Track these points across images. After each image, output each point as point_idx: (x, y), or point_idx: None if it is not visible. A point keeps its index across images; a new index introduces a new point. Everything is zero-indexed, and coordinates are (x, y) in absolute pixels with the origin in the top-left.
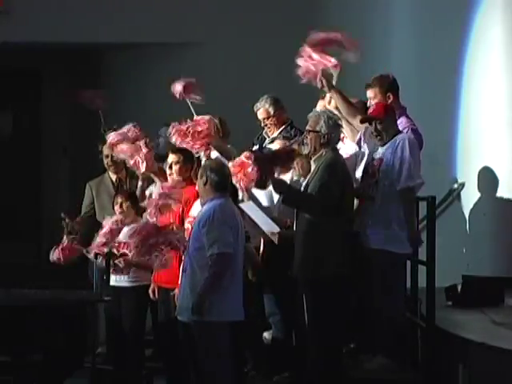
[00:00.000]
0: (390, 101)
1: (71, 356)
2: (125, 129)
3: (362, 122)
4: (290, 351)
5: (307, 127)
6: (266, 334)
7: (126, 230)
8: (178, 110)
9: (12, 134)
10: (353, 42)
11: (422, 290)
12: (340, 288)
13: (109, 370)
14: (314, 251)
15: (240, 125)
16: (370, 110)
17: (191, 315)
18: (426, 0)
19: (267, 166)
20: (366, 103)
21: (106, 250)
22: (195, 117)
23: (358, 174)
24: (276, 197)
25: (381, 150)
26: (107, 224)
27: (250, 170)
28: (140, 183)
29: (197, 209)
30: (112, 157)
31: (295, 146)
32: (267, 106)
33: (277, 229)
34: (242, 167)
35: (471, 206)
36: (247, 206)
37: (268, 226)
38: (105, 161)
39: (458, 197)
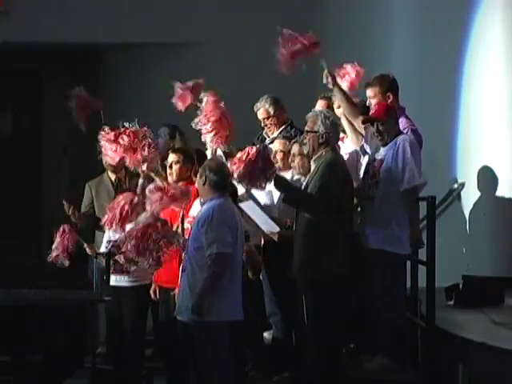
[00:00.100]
0: (389, 100)
1: (71, 356)
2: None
3: (363, 122)
4: (290, 351)
5: (306, 128)
6: (266, 334)
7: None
8: (178, 110)
9: (12, 134)
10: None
11: (422, 290)
12: (340, 288)
13: (109, 370)
14: (314, 251)
15: (240, 125)
16: (372, 111)
17: (191, 315)
18: (425, 0)
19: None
20: (368, 106)
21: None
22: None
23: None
24: (276, 196)
25: (382, 151)
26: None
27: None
28: (141, 181)
29: (196, 208)
30: None
31: (295, 146)
32: (267, 106)
33: (276, 228)
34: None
35: (471, 206)
36: (247, 206)
37: (268, 225)
38: (103, 161)
39: (458, 197)
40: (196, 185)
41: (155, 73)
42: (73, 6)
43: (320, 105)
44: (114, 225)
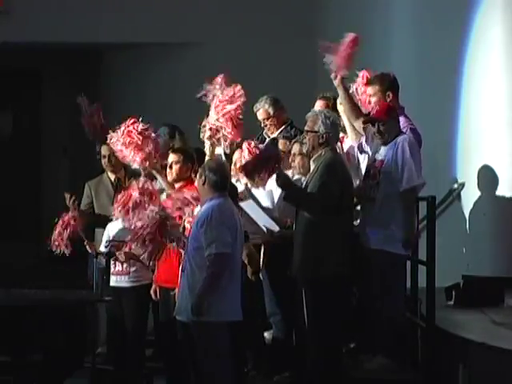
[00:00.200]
0: (389, 99)
1: (71, 356)
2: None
3: (365, 122)
4: (291, 351)
5: (306, 127)
6: (266, 334)
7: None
8: (178, 110)
9: (12, 134)
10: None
11: (422, 290)
12: (340, 288)
13: (109, 370)
14: (314, 251)
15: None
16: (373, 111)
17: (190, 315)
18: (426, 0)
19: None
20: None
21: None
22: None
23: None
24: (276, 196)
25: (383, 152)
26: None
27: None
28: (142, 180)
29: (196, 208)
30: (110, 157)
31: (296, 146)
32: (267, 106)
33: (276, 228)
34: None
35: (471, 206)
36: (247, 205)
37: (268, 225)
38: (103, 161)
39: (458, 197)
40: (196, 184)
41: (155, 73)
42: (73, 6)
43: (319, 105)
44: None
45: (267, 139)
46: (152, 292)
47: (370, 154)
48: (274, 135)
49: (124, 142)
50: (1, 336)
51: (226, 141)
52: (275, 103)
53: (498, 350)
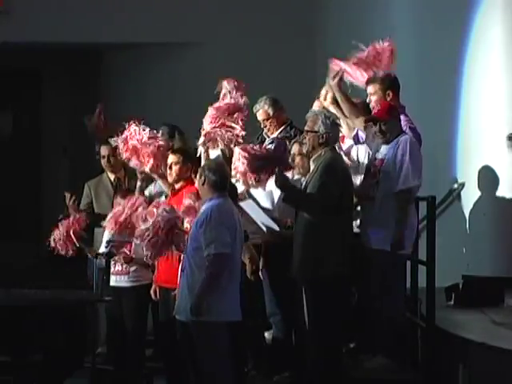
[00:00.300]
0: (389, 98)
1: (71, 356)
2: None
3: (366, 122)
4: (291, 351)
5: (306, 127)
6: (266, 334)
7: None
8: (178, 110)
9: (12, 134)
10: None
11: (422, 290)
12: (340, 288)
13: (109, 370)
14: (314, 251)
15: None
16: (375, 110)
17: (189, 315)
18: (426, 0)
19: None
20: (368, 104)
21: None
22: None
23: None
24: (276, 197)
25: (383, 151)
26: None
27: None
28: (139, 183)
29: None
30: (109, 157)
31: (296, 146)
32: (266, 107)
33: (276, 228)
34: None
35: (471, 206)
36: (247, 205)
37: (268, 224)
38: (102, 161)
39: (458, 197)
40: (196, 184)
41: (155, 73)
42: (73, 6)
43: (317, 105)
44: (115, 227)
45: (267, 139)
46: (152, 292)
47: (370, 152)
48: (274, 135)
49: (134, 149)
50: (1, 336)
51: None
52: (275, 104)
53: (497, 349)
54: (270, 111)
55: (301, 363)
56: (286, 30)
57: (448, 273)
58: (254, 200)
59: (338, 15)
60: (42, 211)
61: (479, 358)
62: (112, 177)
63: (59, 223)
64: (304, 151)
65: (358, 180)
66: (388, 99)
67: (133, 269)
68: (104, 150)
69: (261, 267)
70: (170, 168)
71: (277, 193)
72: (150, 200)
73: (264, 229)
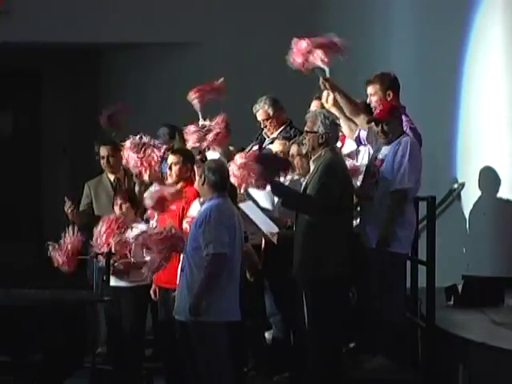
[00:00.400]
0: (389, 98)
1: (71, 356)
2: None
3: (368, 122)
4: (291, 351)
5: (305, 128)
6: (266, 334)
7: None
8: (178, 110)
9: (12, 134)
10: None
11: (422, 290)
12: (340, 288)
13: (109, 370)
14: (314, 251)
15: (240, 125)
16: (377, 111)
17: (189, 315)
18: (425, 0)
19: (269, 165)
20: (369, 104)
21: (105, 249)
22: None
23: (356, 163)
24: (276, 197)
25: (384, 151)
26: (106, 223)
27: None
28: (137, 188)
29: (195, 209)
30: (108, 158)
31: (294, 147)
32: (266, 107)
33: (276, 229)
34: (246, 169)
35: (471, 206)
36: (246, 206)
37: (267, 225)
38: (101, 162)
39: (458, 197)
40: (195, 185)
41: (155, 73)
42: (73, 6)
43: (315, 105)
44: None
45: (266, 140)
46: (151, 292)
47: (369, 147)
48: (274, 136)
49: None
50: (1, 336)
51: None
52: (274, 104)
53: (498, 349)
54: (270, 111)
55: (300, 363)
56: (285, 30)
57: (448, 273)
58: (254, 201)
59: (338, 15)
60: (42, 211)
61: (479, 358)
62: (112, 177)
63: (57, 246)
64: (304, 152)
65: (358, 181)
66: (388, 99)
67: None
68: (103, 151)
69: (260, 267)
70: (170, 168)
71: None
72: None
73: (264, 230)
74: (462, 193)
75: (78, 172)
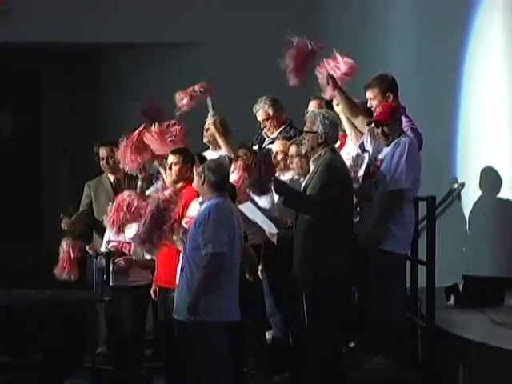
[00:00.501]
0: (389, 101)
1: (71, 356)
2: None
3: (368, 124)
4: (291, 351)
5: (305, 128)
6: (266, 334)
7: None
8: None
9: (12, 134)
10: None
11: (422, 290)
12: (340, 288)
13: (109, 370)
14: (314, 251)
15: (240, 125)
16: (377, 113)
17: (188, 315)
18: (425, 0)
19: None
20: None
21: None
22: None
23: (360, 173)
24: (276, 197)
25: (385, 151)
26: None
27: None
28: (139, 183)
29: (195, 209)
30: (108, 159)
31: (293, 147)
32: (266, 107)
33: (275, 230)
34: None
35: (471, 206)
36: (246, 207)
37: (267, 226)
38: (101, 162)
39: (458, 197)
40: (193, 184)
41: (155, 73)
42: (73, 6)
43: (313, 105)
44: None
45: (266, 140)
46: (152, 292)
47: (371, 152)
48: (274, 135)
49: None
50: (1, 336)
51: None
52: (274, 104)
53: (498, 349)
54: (270, 111)
55: (300, 363)
56: (285, 29)
57: (448, 273)
58: (253, 201)
59: (338, 15)
60: (42, 211)
61: (479, 358)
62: (112, 178)
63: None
64: (303, 152)
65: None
66: (389, 101)
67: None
68: (103, 152)
69: (260, 267)
70: (170, 168)
71: None
72: None
73: (265, 229)
74: (462, 193)
75: (78, 172)
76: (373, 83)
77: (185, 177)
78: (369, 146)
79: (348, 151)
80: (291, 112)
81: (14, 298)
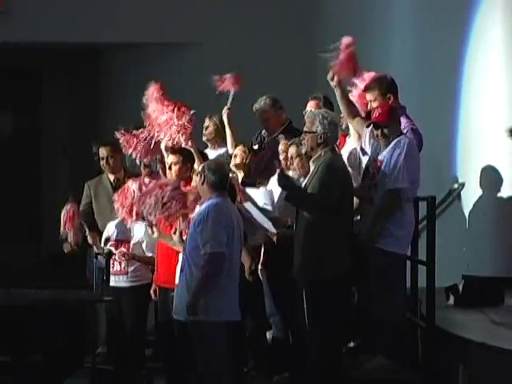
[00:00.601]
0: (390, 101)
1: (71, 356)
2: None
3: (368, 126)
4: (291, 351)
5: (304, 128)
6: (266, 334)
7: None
8: None
9: (12, 134)
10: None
11: (422, 290)
12: (340, 288)
13: (109, 370)
14: (314, 252)
15: (240, 124)
16: (376, 114)
17: (187, 315)
18: (425, 0)
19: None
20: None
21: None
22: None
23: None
24: (276, 196)
25: (384, 152)
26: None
27: None
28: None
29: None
30: (108, 158)
31: (292, 148)
32: (266, 107)
33: (274, 230)
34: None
35: (471, 205)
36: (244, 208)
37: (266, 226)
38: (101, 162)
39: (458, 197)
40: (192, 183)
41: (155, 73)
42: (73, 6)
43: (310, 105)
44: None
45: (266, 139)
46: (152, 292)
47: (370, 153)
48: (274, 135)
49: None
50: (1, 336)
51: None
52: (274, 103)
53: (498, 349)
54: (270, 111)
55: (300, 363)
56: (285, 29)
57: (448, 273)
58: (252, 202)
59: (338, 15)
60: (42, 211)
61: (479, 358)
62: (112, 177)
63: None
64: (303, 152)
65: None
66: (389, 102)
67: (131, 268)
68: (103, 152)
69: (260, 267)
70: (170, 168)
71: (277, 192)
72: None
73: (262, 231)
74: (462, 193)
75: (78, 172)
76: (372, 85)
77: (185, 177)
78: (367, 148)
79: (347, 151)
80: (291, 112)
81: (14, 298)
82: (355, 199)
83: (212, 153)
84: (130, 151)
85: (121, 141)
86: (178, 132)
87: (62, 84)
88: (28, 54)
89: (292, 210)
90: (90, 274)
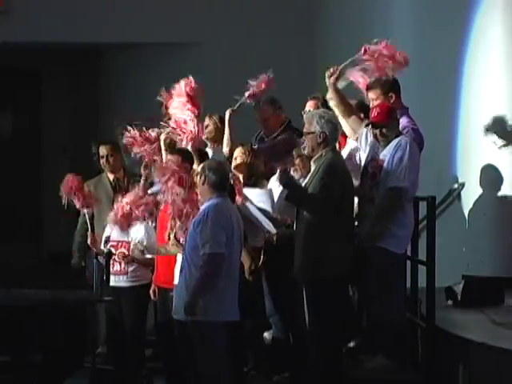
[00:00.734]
0: (392, 101)
1: (71, 356)
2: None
3: (366, 126)
4: (291, 351)
5: (304, 129)
6: (266, 334)
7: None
8: None
9: (12, 134)
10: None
11: (422, 290)
12: (340, 288)
13: (109, 370)
14: (314, 252)
15: (240, 124)
16: (374, 114)
17: (185, 315)
18: (425, 0)
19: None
20: (363, 103)
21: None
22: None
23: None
24: (276, 195)
25: (384, 151)
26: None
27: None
28: (142, 181)
29: None
30: (108, 157)
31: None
32: (265, 107)
33: (273, 230)
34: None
35: (471, 205)
36: (244, 208)
37: (265, 226)
38: (101, 161)
39: (458, 197)
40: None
41: (155, 73)
42: (73, 6)
43: (309, 105)
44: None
45: (265, 139)
46: (151, 292)
47: (367, 153)
48: (273, 135)
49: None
50: (1, 336)
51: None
52: (274, 103)
53: (498, 349)
54: (269, 111)
55: (300, 363)
56: (286, 29)
57: (448, 273)
58: (252, 202)
59: (338, 15)
60: (42, 211)
61: (479, 358)
62: (111, 177)
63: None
64: (305, 153)
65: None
66: (391, 101)
67: (131, 269)
68: (103, 150)
69: (260, 267)
70: None
71: (277, 192)
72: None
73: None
74: (462, 193)
75: (78, 172)
76: (374, 84)
77: None
78: (364, 147)
79: (347, 150)
80: (291, 112)
81: (14, 298)
82: (355, 199)
83: (212, 152)
84: (135, 149)
85: (127, 137)
86: (187, 136)
87: (62, 84)
88: (28, 53)
89: (292, 209)
90: (89, 274)
